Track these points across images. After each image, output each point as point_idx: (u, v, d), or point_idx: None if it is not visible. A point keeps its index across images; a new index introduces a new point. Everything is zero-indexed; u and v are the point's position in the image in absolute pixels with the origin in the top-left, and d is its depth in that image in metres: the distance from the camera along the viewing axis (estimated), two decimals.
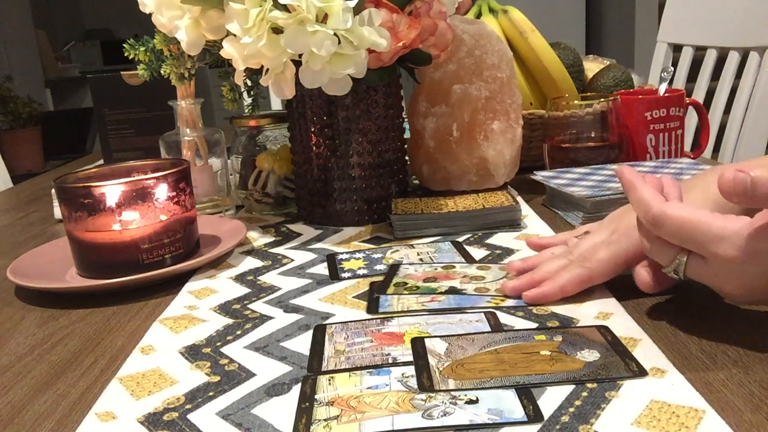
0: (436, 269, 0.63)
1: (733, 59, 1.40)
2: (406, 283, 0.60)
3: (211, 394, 0.45)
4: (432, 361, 0.46)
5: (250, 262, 0.71)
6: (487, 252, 0.69)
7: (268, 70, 0.69)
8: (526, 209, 0.82)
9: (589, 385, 0.42)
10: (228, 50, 0.69)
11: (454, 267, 0.64)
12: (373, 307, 0.57)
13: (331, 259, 0.69)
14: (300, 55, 0.67)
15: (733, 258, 0.42)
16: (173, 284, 0.66)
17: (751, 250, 0.41)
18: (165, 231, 0.67)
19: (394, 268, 0.65)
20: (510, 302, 0.55)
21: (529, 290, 0.55)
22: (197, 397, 0.45)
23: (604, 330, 0.49)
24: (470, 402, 0.41)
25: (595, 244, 0.56)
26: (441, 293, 0.58)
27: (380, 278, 0.63)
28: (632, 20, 3.28)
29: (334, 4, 0.64)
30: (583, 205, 0.75)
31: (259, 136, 0.91)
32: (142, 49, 0.84)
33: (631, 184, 0.47)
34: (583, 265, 0.55)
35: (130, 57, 0.85)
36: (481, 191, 0.85)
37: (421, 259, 0.67)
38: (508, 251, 0.69)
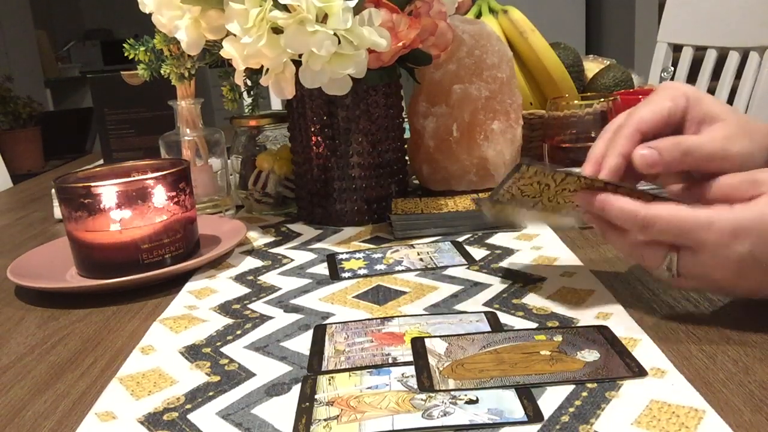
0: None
1: (733, 59, 1.40)
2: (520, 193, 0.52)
3: (211, 394, 0.45)
4: (432, 361, 0.46)
5: (250, 262, 0.71)
6: (488, 252, 0.69)
7: (268, 70, 0.69)
8: None
9: (589, 385, 0.42)
10: (228, 50, 0.69)
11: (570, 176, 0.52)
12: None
13: (331, 259, 0.69)
14: (300, 55, 0.67)
15: (720, 240, 0.44)
16: (173, 284, 0.66)
17: (736, 228, 0.44)
18: (165, 231, 0.67)
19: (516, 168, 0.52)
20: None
21: None
22: (197, 397, 0.45)
23: (604, 330, 0.49)
24: (470, 402, 0.41)
25: None
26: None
27: (382, 280, 0.63)
28: (632, 20, 3.28)
29: (334, 4, 0.64)
30: None
31: (259, 136, 0.91)
32: (142, 49, 0.84)
33: (601, 202, 0.48)
34: None
35: (130, 57, 0.85)
36: (481, 191, 0.85)
37: (421, 259, 0.67)
38: (508, 251, 0.69)
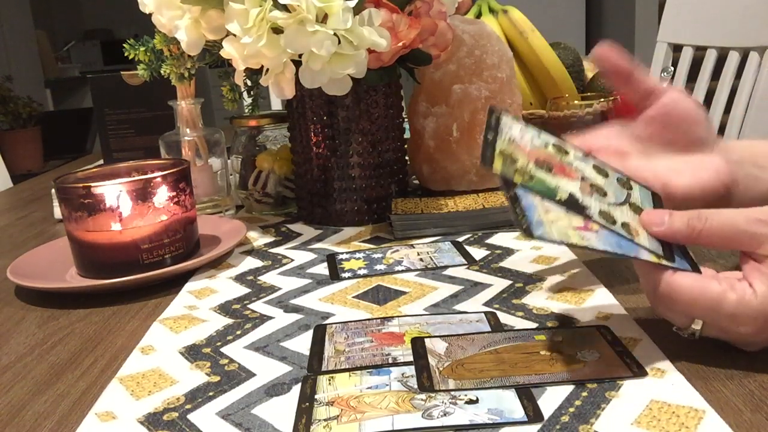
0: (546, 147, 0.48)
1: (733, 59, 1.40)
2: (515, 159, 0.45)
3: (211, 394, 0.45)
4: (432, 361, 0.46)
5: (250, 262, 0.71)
6: (488, 252, 0.69)
7: (268, 70, 0.69)
8: None
9: (589, 385, 0.42)
10: (228, 50, 0.69)
11: (567, 153, 0.48)
12: (524, 225, 0.42)
13: (331, 259, 0.69)
14: (300, 55, 0.67)
15: (748, 333, 0.42)
16: (173, 284, 0.66)
17: (765, 320, 0.41)
18: (165, 231, 0.67)
19: (495, 121, 0.47)
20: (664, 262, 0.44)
21: None
22: (197, 397, 0.45)
23: (604, 330, 0.49)
24: (470, 402, 0.41)
25: None
26: (562, 202, 0.44)
27: (382, 280, 0.63)
28: (632, 20, 3.28)
29: (334, 4, 0.64)
30: None
31: (259, 136, 0.91)
32: (142, 49, 0.84)
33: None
34: None
35: (130, 57, 0.85)
36: (481, 191, 0.85)
37: (421, 259, 0.67)
38: (508, 251, 0.69)
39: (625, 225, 0.45)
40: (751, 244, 0.43)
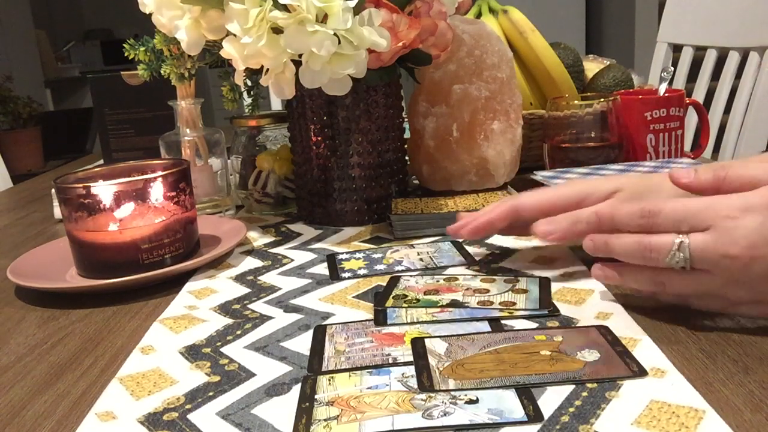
0: (438, 281, 0.60)
1: (733, 59, 1.40)
2: (406, 296, 0.57)
3: (211, 394, 0.45)
4: (432, 361, 0.46)
5: (250, 262, 0.71)
6: (487, 252, 0.69)
7: (268, 70, 0.69)
8: None
9: (589, 385, 0.42)
10: (228, 50, 0.69)
11: (457, 279, 0.61)
12: (381, 318, 0.54)
13: (331, 259, 0.69)
14: (300, 55, 0.67)
15: (730, 214, 0.45)
16: (173, 284, 0.66)
17: (744, 204, 0.45)
18: (165, 231, 0.67)
19: (394, 280, 0.61)
20: (520, 312, 0.53)
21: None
22: (197, 397, 0.45)
23: (604, 330, 0.49)
24: (470, 402, 0.41)
25: None
26: (443, 306, 0.55)
27: (382, 280, 0.63)
28: (632, 20, 3.28)
29: (334, 4, 0.64)
30: None
31: (259, 136, 0.91)
32: (142, 49, 0.84)
33: (609, 213, 0.51)
34: None
35: (130, 57, 0.85)
36: (481, 191, 0.85)
37: (421, 259, 0.67)
38: (508, 251, 0.69)
39: (503, 303, 0.55)
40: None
